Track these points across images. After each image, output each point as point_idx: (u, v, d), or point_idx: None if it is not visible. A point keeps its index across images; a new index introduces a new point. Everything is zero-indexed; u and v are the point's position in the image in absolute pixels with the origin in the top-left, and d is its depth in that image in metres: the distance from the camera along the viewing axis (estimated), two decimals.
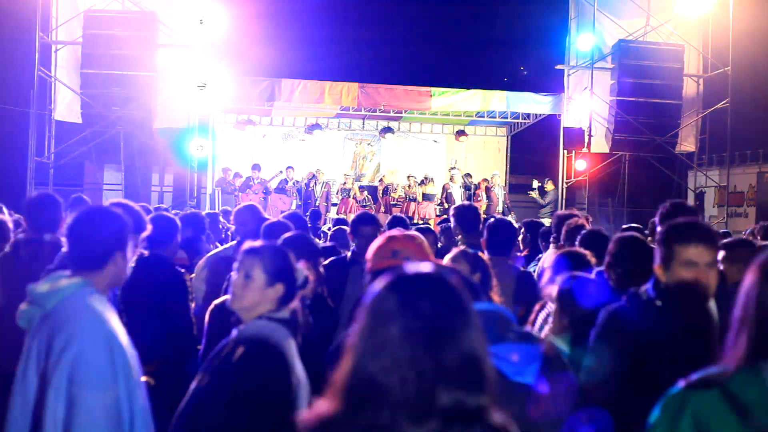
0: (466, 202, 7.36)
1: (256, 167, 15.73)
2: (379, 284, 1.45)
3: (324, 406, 1.40)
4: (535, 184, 16.24)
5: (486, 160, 19.24)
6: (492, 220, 4.92)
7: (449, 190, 16.18)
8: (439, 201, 16.40)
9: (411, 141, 19.20)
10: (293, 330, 2.55)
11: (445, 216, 14.39)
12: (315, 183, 16.09)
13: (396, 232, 3.14)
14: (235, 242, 4.96)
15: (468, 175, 17.23)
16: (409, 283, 1.44)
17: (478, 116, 18.19)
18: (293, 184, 16.11)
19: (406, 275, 1.45)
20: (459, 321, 1.41)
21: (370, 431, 1.34)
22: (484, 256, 4.68)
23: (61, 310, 2.34)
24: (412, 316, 1.39)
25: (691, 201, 17.10)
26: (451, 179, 16.34)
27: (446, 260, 3.16)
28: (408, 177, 16.75)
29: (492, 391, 1.40)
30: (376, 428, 1.34)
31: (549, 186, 15.91)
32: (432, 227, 8.30)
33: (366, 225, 4.58)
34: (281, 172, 16.09)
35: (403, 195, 16.53)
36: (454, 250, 3.26)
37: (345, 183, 16.42)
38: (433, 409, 1.33)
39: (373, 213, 8.88)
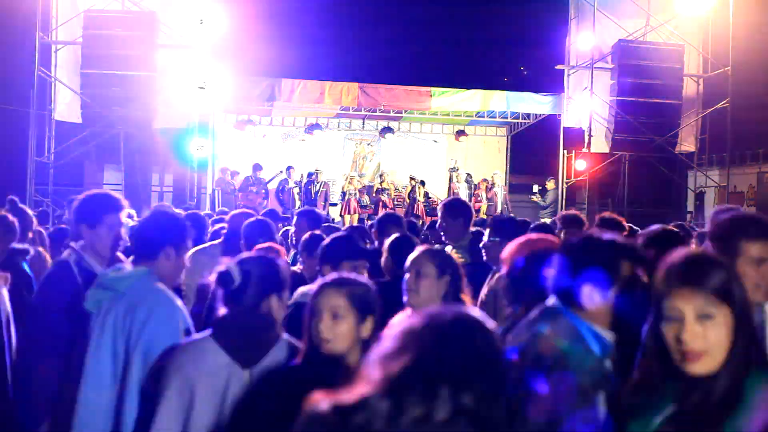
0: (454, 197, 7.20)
1: (257, 167, 15.73)
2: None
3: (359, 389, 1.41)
4: (536, 188, 16.25)
5: (486, 160, 19.25)
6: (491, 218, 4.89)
7: (456, 191, 16.20)
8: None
9: (411, 141, 19.20)
10: (214, 331, 2.51)
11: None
12: (314, 183, 16.08)
13: (534, 235, 3.06)
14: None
15: (468, 174, 17.26)
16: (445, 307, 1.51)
17: (478, 116, 18.19)
18: (294, 183, 16.11)
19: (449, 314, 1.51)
20: (475, 326, 1.45)
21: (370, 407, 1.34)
22: (456, 255, 4.63)
23: (135, 291, 2.75)
24: (434, 313, 1.44)
25: (691, 201, 17.11)
26: (457, 179, 16.37)
27: (410, 259, 3.10)
28: (410, 179, 16.78)
29: (500, 403, 1.40)
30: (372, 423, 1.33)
31: (550, 185, 15.91)
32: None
33: (394, 225, 4.55)
34: (281, 172, 16.09)
35: (403, 195, 16.54)
36: (420, 248, 3.20)
37: (351, 183, 16.42)
38: (428, 393, 1.33)
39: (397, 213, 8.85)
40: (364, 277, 2.49)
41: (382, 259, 3.80)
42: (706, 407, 1.69)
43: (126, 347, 2.68)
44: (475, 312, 1.52)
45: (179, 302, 2.82)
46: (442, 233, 5.01)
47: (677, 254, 1.77)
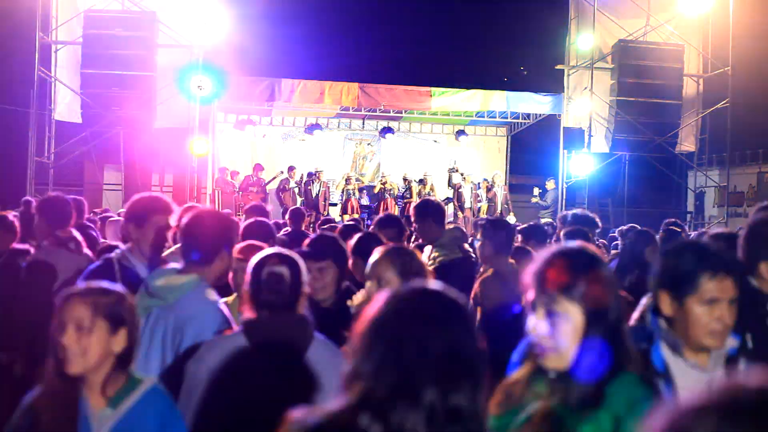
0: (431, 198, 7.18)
1: (258, 167, 15.72)
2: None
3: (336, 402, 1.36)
4: (536, 191, 16.24)
5: (486, 160, 19.24)
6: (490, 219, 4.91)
7: (460, 190, 16.22)
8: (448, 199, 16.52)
9: (411, 141, 19.20)
10: (246, 329, 2.47)
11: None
12: (313, 182, 16.08)
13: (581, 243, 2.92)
14: None
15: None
16: (412, 288, 1.43)
17: (478, 116, 18.19)
18: (295, 184, 16.11)
19: (411, 285, 1.45)
20: (448, 313, 1.38)
21: (350, 415, 1.29)
22: (435, 254, 4.65)
23: (185, 305, 2.70)
24: (399, 300, 1.37)
25: (691, 201, 17.12)
26: (464, 180, 16.39)
27: (369, 264, 2.84)
28: (403, 179, 16.80)
29: (481, 393, 1.35)
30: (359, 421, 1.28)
31: (550, 185, 15.92)
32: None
33: (391, 227, 4.52)
34: (282, 172, 16.08)
35: (402, 194, 16.56)
36: (379, 251, 2.87)
37: (348, 183, 16.41)
38: (416, 402, 1.27)
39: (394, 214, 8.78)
40: (116, 286, 2.28)
41: (350, 263, 3.49)
42: (564, 406, 1.69)
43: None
44: (446, 289, 1.43)
45: (226, 310, 2.77)
46: (416, 235, 5.02)
47: (545, 253, 1.78)
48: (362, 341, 1.34)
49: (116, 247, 4.52)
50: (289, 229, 7.31)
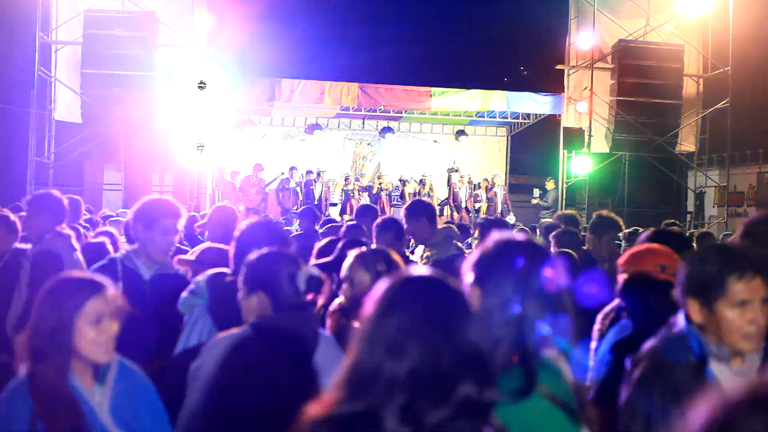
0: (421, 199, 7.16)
1: (258, 167, 15.72)
2: (384, 282, 1.44)
3: (328, 398, 1.35)
4: (536, 192, 16.24)
5: (486, 160, 19.25)
6: (484, 220, 4.93)
7: (456, 190, 16.23)
8: (444, 200, 16.54)
9: (411, 141, 19.20)
10: (260, 328, 2.49)
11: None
12: (315, 182, 16.08)
13: (659, 246, 2.93)
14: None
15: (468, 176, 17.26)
16: (414, 278, 1.43)
17: (478, 116, 18.19)
18: (295, 183, 16.11)
19: (410, 274, 1.45)
20: (464, 313, 1.38)
21: (372, 417, 1.28)
22: (428, 253, 4.67)
23: None
24: (421, 302, 1.37)
25: (691, 201, 17.11)
26: (460, 180, 16.41)
27: (343, 267, 2.90)
28: (399, 180, 16.79)
29: (497, 390, 1.36)
30: (379, 415, 1.28)
31: (550, 185, 15.92)
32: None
33: (387, 232, 4.45)
34: (282, 173, 16.07)
35: (399, 194, 16.58)
36: (352, 255, 2.93)
37: (347, 184, 16.41)
38: (449, 398, 1.27)
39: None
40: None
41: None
42: None
43: None
44: (452, 280, 1.43)
45: None
46: (409, 237, 5.00)
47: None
48: (388, 343, 1.32)
49: (102, 242, 4.59)
50: (298, 229, 7.32)
